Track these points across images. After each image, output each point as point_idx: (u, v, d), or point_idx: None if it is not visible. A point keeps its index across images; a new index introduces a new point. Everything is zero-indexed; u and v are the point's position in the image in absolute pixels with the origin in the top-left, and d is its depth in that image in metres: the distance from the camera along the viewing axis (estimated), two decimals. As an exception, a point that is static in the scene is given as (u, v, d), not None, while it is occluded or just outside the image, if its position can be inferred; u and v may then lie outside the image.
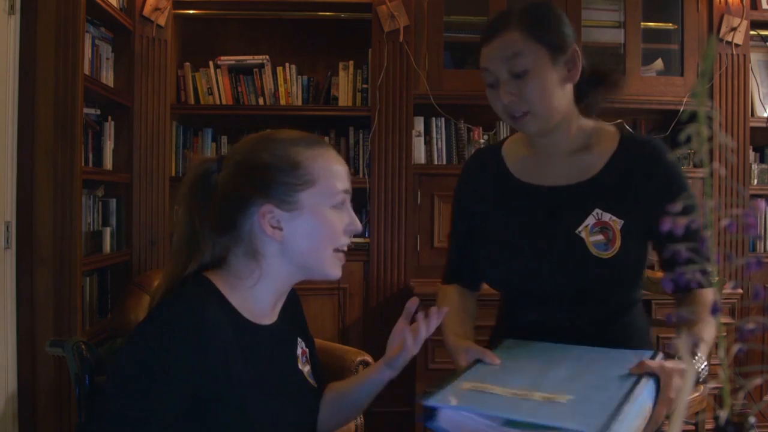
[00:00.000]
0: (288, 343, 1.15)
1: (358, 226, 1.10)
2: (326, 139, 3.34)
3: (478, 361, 1.09)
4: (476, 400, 0.92)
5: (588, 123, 1.29)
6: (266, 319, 1.09)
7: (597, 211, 1.21)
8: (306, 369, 1.17)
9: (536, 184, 1.29)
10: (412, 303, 1.19)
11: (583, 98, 1.28)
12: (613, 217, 1.20)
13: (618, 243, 1.18)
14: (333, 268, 1.08)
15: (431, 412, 0.92)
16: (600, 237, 1.19)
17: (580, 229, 1.20)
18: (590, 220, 1.20)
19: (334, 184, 1.06)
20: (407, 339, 1.14)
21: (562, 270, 1.22)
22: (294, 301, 1.22)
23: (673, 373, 0.97)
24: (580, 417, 0.82)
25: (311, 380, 1.17)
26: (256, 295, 1.06)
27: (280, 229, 1.03)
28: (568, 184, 1.26)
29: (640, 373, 0.97)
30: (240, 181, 1.05)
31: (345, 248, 1.10)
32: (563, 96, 1.22)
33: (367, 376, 1.22)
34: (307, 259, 1.06)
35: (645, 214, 1.19)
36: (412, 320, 1.18)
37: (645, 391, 0.93)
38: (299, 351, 1.17)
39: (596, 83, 1.27)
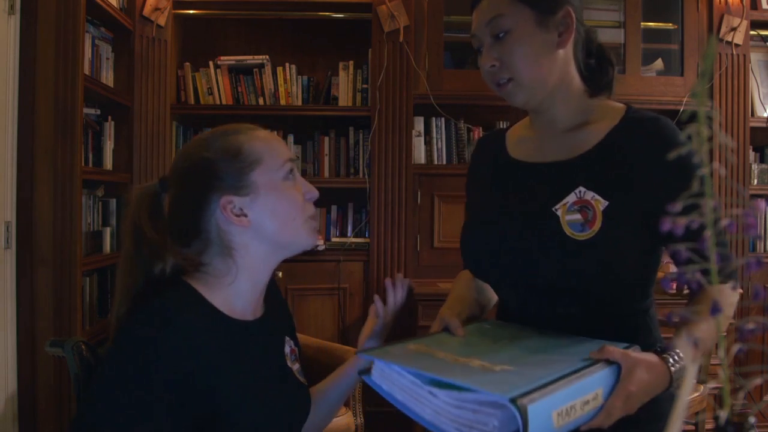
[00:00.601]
0: (275, 340, 1.15)
1: (315, 191, 1.12)
2: (326, 139, 3.35)
3: (446, 329, 1.07)
4: (408, 358, 0.90)
5: (593, 101, 1.17)
6: (250, 315, 1.09)
7: (580, 189, 1.09)
8: (296, 367, 1.17)
9: (527, 161, 1.20)
10: (374, 308, 1.22)
11: (591, 76, 1.17)
12: (597, 197, 1.07)
13: (597, 225, 1.05)
14: (309, 236, 1.09)
15: (368, 366, 0.93)
16: (577, 216, 1.07)
17: (557, 206, 1.09)
18: (570, 198, 1.08)
19: (279, 155, 1.08)
20: (378, 308, 1.20)
21: (532, 251, 1.10)
22: (279, 300, 1.23)
23: (637, 364, 0.87)
24: (500, 384, 0.79)
25: (301, 378, 1.17)
26: (237, 291, 1.07)
27: (245, 215, 1.05)
28: (557, 160, 1.15)
29: (598, 359, 0.89)
30: (190, 187, 1.06)
31: (313, 216, 1.11)
32: (552, 63, 1.11)
33: (343, 371, 1.24)
34: (280, 236, 1.07)
35: (640, 198, 1.06)
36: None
37: (596, 375, 0.86)
38: (287, 350, 1.17)
39: (603, 58, 1.17)
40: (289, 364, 1.15)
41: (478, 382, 0.79)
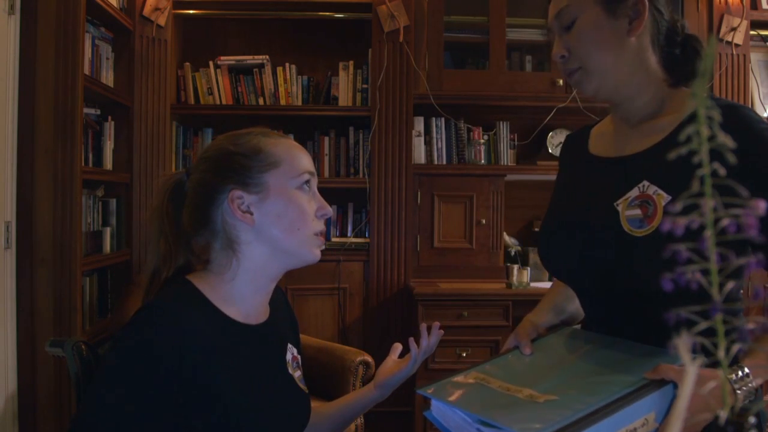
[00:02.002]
0: (277, 346, 1.15)
1: (329, 209, 1.11)
2: (326, 139, 3.35)
3: (516, 347, 1.10)
4: (459, 394, 0.92)
5: (673, 91, 1.12)
6: (252, 319, 1.09)
7: (644, 183, 1.04)
8: (297, 374, 1.16)
9: (601, 156, 1.17)
10: (398, 346, 1.25)
11: (673, 66, 1.12)
12: (659, 191, 1.02)
13: (657, 221, 0.99)
14: (310, 249, 1.08)
15: (429, 401, 0.95)
16: (637, 212, 1.02)
17: (619, 201, 1.06)
18: (633, 193, 1.04)
19: (298, 164, 1.08)
20: (413, 351, 1.20)
21: (593, 249, 1.07)
22: (285, 307, 1.23)
23: (695, 383, 0.83)
24: (533, 422, 0.79)
25: (302, 385, 1.17)
26: (237, 291, 1.07)
27: (251, 213, 1.05)
28: (626, 154, 1.12)
29: (653, 379, 0.86)
30: (208, 174, 1.08)
31: (322, 232, 1.10)
32: (623, 51, 1.09)
33: (354, 398, 1.25)
34: (282, 242, 1.06)
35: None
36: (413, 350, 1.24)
37: (645, 400, 0.84)
38: (289, 357, 1.16)
39: (690, 48, 1.11)
40: (290, 371, 1.15)
41: (513, 421, 0.81)
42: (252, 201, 1.05)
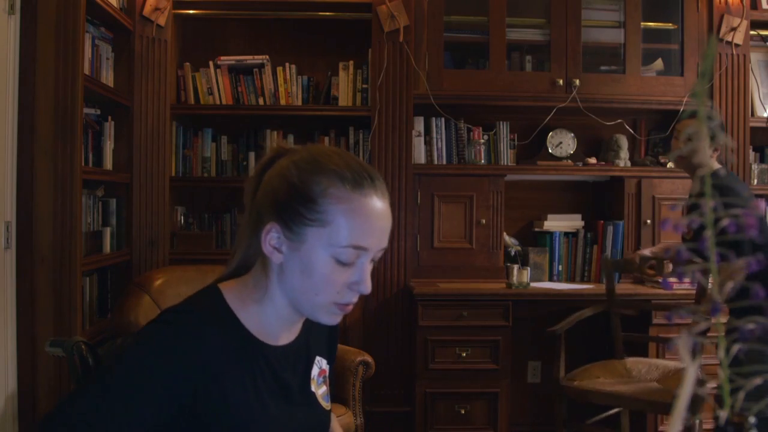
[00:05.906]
0: (301, 365, 1.10)
1: (366, 287, 1.00)
2: (326, 139, 3.34)
3: None
4: None
5: None
6: (279, 340, 1.06)
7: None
8: (321, 391, 1.13)
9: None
10: None
11: None
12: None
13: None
14: (324, 316, 1.02)
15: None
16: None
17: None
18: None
19: (349, 234, 0.97)
20: None
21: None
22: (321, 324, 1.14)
23: None
24: None
25: (324, 402, 1.13)
26: (264, 314, 1.03)
27: (281, 252, 0.99)
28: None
29: None
30: (269, 189, 1.02)
31: (347, 303, 1.01)
32: None
33: None
34: (297, 295, 1.01)
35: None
36: None
37: None
38: (316, 372, 1.13)
39: None
40: (313, 388, 1.11)
41: None
42: (285, 243, 0.99)
